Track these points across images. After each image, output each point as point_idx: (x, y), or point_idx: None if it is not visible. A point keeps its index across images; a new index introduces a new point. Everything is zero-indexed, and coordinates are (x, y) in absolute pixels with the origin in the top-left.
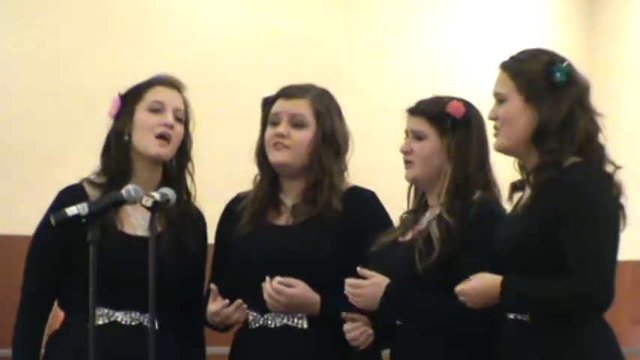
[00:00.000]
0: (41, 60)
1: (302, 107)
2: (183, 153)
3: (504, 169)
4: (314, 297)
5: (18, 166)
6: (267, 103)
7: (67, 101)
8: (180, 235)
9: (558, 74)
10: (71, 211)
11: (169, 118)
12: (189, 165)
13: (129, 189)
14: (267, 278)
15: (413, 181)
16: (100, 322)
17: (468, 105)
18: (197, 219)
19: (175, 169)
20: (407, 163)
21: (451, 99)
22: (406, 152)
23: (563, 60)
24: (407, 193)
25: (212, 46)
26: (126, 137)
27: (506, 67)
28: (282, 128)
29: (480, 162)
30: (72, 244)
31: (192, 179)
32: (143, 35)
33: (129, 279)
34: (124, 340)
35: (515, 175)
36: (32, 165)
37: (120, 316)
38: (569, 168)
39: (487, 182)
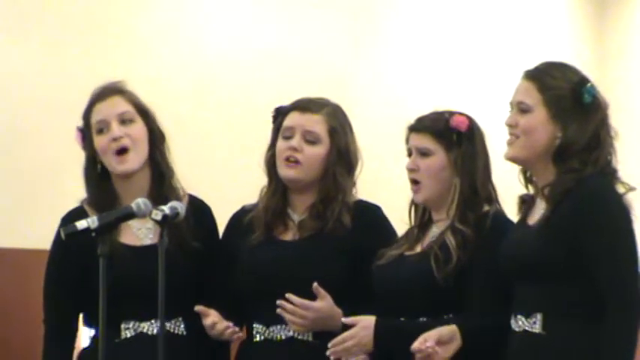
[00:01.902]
0: (44, 73)
1: (316, 123)
2: (155, 146)
3: (500, 179)
4: (337, 311)
5: (21, 180)
6: (280, 113)
7: (70, 114)
8: (185, 233)
9: (587, 95)
10: (81, 224)
11: (114, 131)
12: (164, 155)
13: (139, 203)
14: (287, 296)
15: (424, 203)
16: (128, 335)
17: (470, 118)
18: (201, 213)
19: (160, 172)
20: (414, 182)
21: (452, 113)
22: (413, 170)
23: (588, 80)
24: (408, 209)
25: (215, 58)
26: (99, 166)
27: (533, 77)
28: (295, 142)
29: (487, 173)
30: (85, 261)
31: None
32: (146, 47)
33: (146, 289)
34: (152, 351)
35: (509, 185)
36: (36, 178)
37: (145, 327)
38: (585, 178)
39: (491, 196)
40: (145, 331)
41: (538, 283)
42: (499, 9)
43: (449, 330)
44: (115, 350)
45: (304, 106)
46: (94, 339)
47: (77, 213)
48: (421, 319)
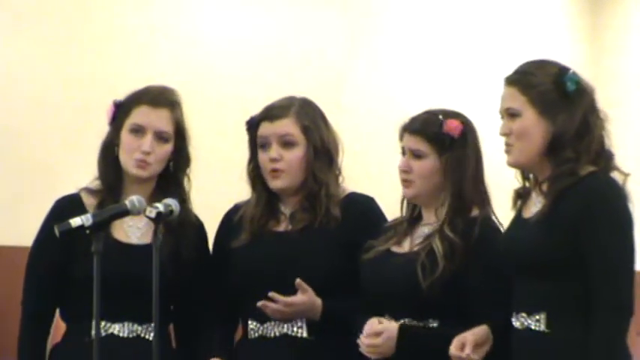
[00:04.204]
0: (40, 70)
1: (288, 127)
2: (177, 167)
3: (498, 176)
4: (317, 302)
5: (17, 177)
6: (252, 125)
7: (67, 111)
8: (178, 242)
9: (569, 84)
10: (75, 222)
11: (146, 144)
12: (185, 177)
13: (133, 200)
14: (271, 295)
15: (412, 199)
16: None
17: (463, 121)
18: (197, 228)
19: (170, 179)
20: (405, 181)
21: (446, 114)
22: (405, 171)
23: (568, 69)
24: (400, 204)
25: (212, 56)
26: (115, 148)
27: (514, 81)
28: (273, 153)
29: (477, 177)
30: (68, 255)
31: (185, 189)
32: (143, 44)
33: (124, 289)
34: (122, 354)
35: (503, 183)
36: (32, 176)
37: (117, 328)
38: (587, 177)
39: (483, 198)
40: (115, 332)
41: (539, 279)
42: (494, 7)
43: (484, 332)
44: (83, 350)
45: (272, 114)
46: (65, 336)
47: (72, 200)
48: (405, 319)
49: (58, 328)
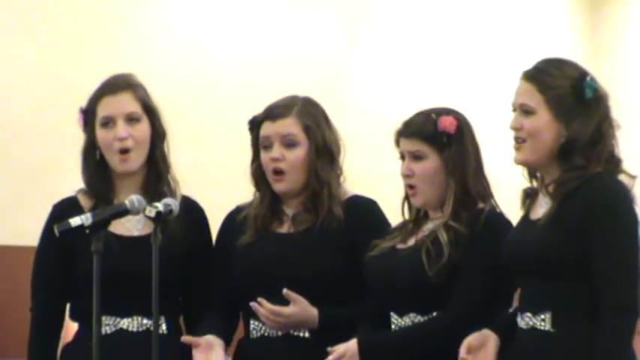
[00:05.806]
0: (38, 71)
1: (290, 126)
2: (153, 145)
3: (499, 173)
4: (312, 312)
5: (15, 177)
6: (255, 124)
7: (66, 112)
8: (175, 231)
9: (587, 90)
10: (75, 221)
11: (120, 130)
12: (163, 152)
13: (132, 200)
14: (259, 301)
15: (423, 207)
16: (108, 332)
17: (456, 116)
18: (194, 212)
19: (155, 166)
20: (410, 187)
21: (438, 113)
22: (408, 175)
23: (587, 73)
24: (401, 205)
25: (212, 56)
26: (97, 152)
27: (532, 78)
28: (275, 152)
29: (478, 170)
30: (71, 255)
31: (169, 170)
32: (143, 44)
33: (130, 283)
34: (132, 348)
35: (501, 176)
36: (29, 176)
37: (126, 323)
38: (592, 177)
39: (486, 191)
40: (124, 327)
41: (545, 280)
42: (494, 5)
43: (476, 335)
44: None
45: (274, 113)
46: (77, 334)
47: (69, 203)
48: (411, 314)
49: (68, 329)
